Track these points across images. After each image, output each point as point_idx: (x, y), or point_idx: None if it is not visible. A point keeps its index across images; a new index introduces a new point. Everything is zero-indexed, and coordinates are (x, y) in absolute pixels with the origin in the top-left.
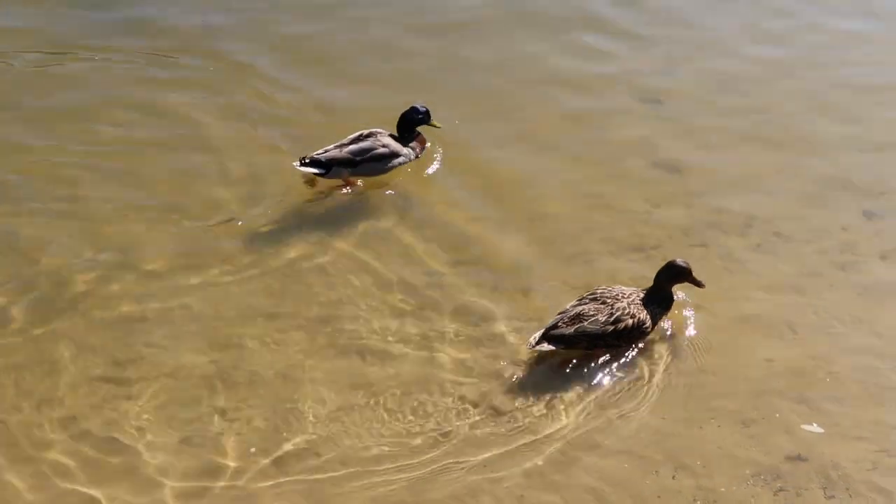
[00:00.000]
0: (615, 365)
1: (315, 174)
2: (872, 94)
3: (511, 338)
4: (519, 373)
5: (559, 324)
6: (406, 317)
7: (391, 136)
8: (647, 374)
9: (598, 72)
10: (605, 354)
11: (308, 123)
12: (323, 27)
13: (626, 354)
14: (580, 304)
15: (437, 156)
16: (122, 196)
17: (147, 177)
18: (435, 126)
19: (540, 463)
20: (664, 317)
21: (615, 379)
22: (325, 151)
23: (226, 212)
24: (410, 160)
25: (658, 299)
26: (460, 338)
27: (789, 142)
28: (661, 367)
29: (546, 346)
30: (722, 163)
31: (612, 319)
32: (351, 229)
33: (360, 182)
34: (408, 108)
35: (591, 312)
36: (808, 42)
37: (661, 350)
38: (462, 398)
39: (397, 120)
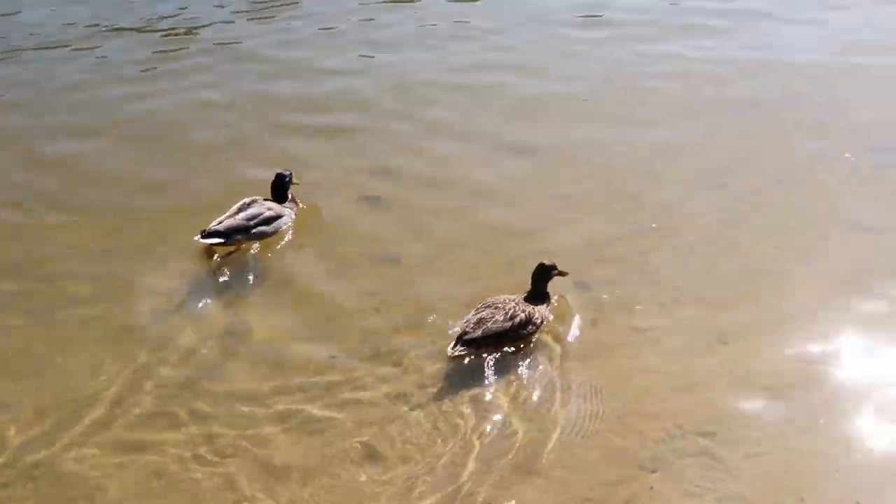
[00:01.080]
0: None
1: (216, 244)
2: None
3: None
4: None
5: (468, 330)
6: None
7: (268, 200)
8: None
9: (319, 174)
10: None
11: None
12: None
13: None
14: (478, 313)
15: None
16: None
17: None
18: (295, 183)
19: None
20: (548, 310)
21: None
22: (220, 223)
23: None
24: (293, 218)
25: (537, 297)
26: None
27: (490, 226)
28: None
29: (462, 350)
30: (438, 251)
31: (509, 317)
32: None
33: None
34: (274, 175)
35: (490, 315)
36: (495, 139)
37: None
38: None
39: (270, 187)
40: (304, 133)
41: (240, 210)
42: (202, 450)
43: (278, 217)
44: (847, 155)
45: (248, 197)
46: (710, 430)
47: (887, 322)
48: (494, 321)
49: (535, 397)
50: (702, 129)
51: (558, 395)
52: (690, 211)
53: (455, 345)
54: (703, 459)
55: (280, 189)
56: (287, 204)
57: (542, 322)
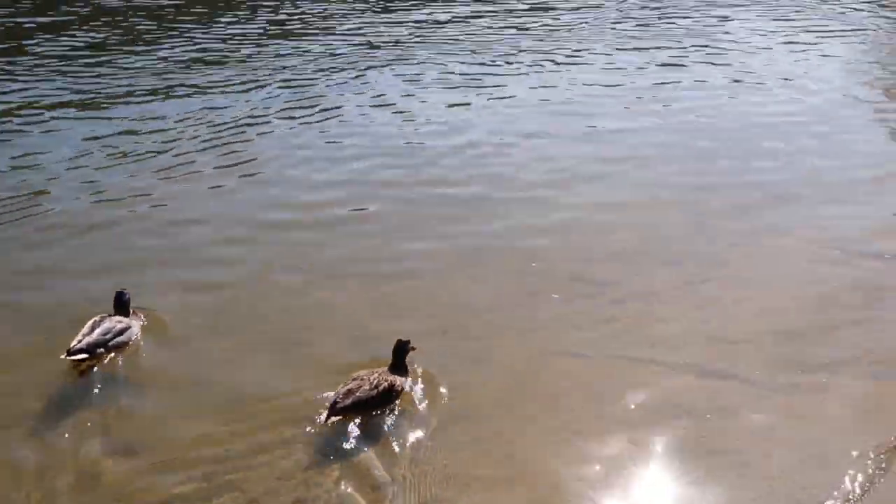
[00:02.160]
0: None
1: (82, 360)
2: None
3: None
4: None
5: (338, 399)
6: None
7: (114, 315)
8: None
9: None
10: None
11: None
12: None
13: None
14: (347, 385)
15: None
16: None
17: None
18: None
19: None
20: (407, 380)
21: None
22: (80, 341)
23: None
24: (140, 327)
25: (398, 369)
26: None
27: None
28: None
29: (335, 418)
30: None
31: (374, 385)
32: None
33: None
34: (115, 293)
35: (357, 386)
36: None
37: None
38: None
39: (113, 305)
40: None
41: (93, 327)
42: None
43: (129, 328)
44: (554, 295)
45: (96, 316)
46: None
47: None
48: (362, 390)
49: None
50: (426, 278)
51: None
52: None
53: (329, 414)
54: None
55: (121, 305)
56: (132, 317)
57: (402, 390)
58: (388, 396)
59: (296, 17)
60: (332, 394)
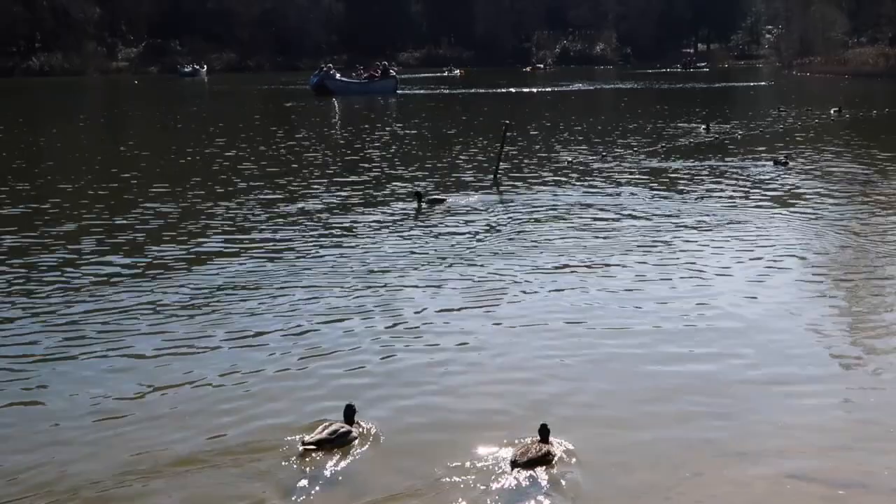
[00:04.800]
0: None
1: (312, 450)
2: None
3: None
4: None
5: (517, 458)
6: None
7: (341, 421)
8: None
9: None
10: None
11: None
12: None
13: None
14: (518, 449)
15: None
16: None
17: None
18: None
19: None
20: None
21: None
22: (312, 437)
23: None
24: (358, 433)
25: (545, 440)
26: None
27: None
28: None
29: (518, 469)
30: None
31: (537, 449)
32: None
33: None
34: (346, 406)
35: (527, 449)
36: None
37: None
38: None
39: (343, 414)
40: None
41: (324, 429)
42: None
43: (349, 432)
44: None
45: (328, 420)
46: None
47: None
48: (532, 452)
49: None
50: None
51: None
52: None
53: (512, 468)
54: None
55: (349, 414)
56: (355, 425)
57: (556, 452)
58: (548, 457)
59: None
60: (508, 455)
